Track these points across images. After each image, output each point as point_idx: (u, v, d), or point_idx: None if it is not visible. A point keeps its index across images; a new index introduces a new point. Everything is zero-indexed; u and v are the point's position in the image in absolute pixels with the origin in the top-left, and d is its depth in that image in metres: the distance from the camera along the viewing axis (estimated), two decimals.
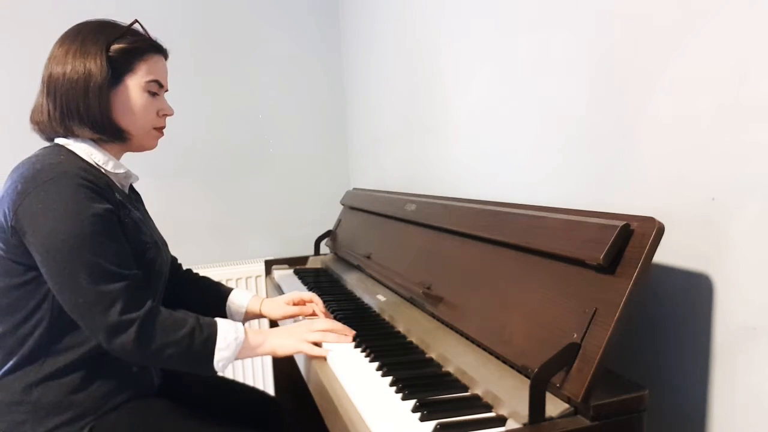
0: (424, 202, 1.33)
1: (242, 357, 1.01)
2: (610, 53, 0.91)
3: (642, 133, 0.86)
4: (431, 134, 1.59)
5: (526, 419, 0.68)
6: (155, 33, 1.07)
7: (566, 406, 0.69)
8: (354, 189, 2.15)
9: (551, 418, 0.68)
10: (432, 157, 1.59)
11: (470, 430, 0.71)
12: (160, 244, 1.09)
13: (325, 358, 0.99)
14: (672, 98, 0.80)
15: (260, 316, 1.29)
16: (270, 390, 2.02)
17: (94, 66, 0.97)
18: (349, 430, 0.76)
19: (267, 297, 1.59)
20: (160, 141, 1.11)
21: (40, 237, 0.88)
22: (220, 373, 0.99)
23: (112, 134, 1.01)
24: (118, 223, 0.95)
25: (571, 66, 1.00)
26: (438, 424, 0.71)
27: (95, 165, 1.00)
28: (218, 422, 1.11)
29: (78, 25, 1.02)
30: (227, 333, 0.98)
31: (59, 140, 1.00)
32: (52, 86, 0.98)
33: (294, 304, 1.27)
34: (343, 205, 2.04)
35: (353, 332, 1.08)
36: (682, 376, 0.81)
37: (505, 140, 1.23)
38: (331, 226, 2.04)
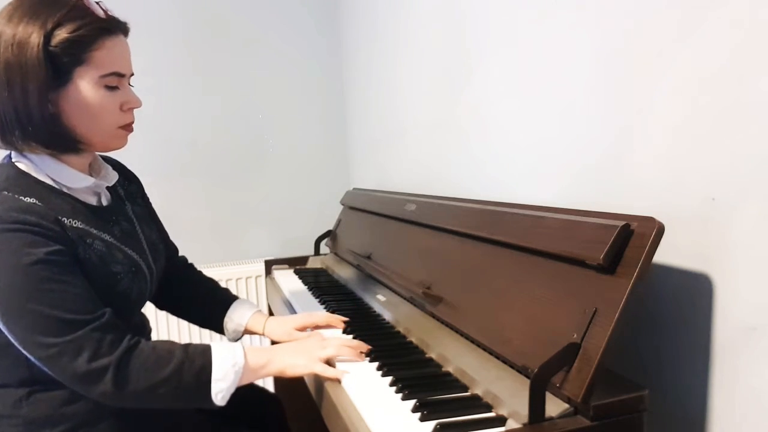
0: (424, 202, 1.33)
1: (245, 382, 0.90)
2: (611, 53, 0.91)
3: (642, 133, 0.86)
4: (431, 134, 1.59)
5: (526, 419, 0.68)
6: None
7: (566, 406, 0.69)
8: (354, 189, 2.15)
9: (551, 418, 0.68)
10: (431, 157, 1.59)
11: (470, 430, 0.71)
12: (141, 261, 0.96)
13: (339, 381, 0.90)
14: (672, 98, 0.80)
15: (262, 335, 1.17)
16: (270, 387, 2.01)
17: (32, 64, 0.79)
18: (349, 430, 0.77)
19: (267, 298, 1.59)
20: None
21: None
22: (221, 405, 0.87)
23: (64, 146, 0.86)
24: (74, 262, 0.83)
25: (571, 66, 1.00)
26: (438, 424, 0.71)
27: (54, 184, 0.87)
28: (218, 420, 1.11)
29: (12, 3, 0.83)
30: (223, 360, 0.87)
31: (14, 156, 0.87)
32: None
33: (304, 329, 1.14)
34: (343, 205, 2.04)
35: (368, 347, 0.99)
36: (683, 376, 0.81)
37: (505, 140, 1.23)
38: (331, 226, 2.04)
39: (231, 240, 2.23)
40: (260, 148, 2.26)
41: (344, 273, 1.65)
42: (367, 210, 1.72)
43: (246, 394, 1.24)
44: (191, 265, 1.27)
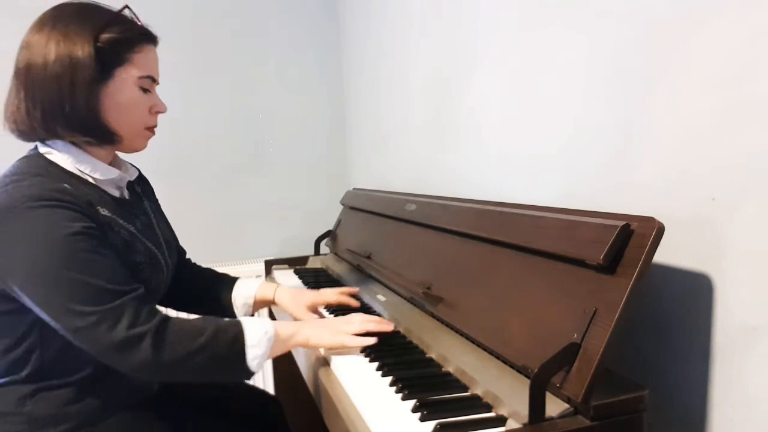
0: (424, 202, 1.33)
1: (275, 353, 0.94)
2: (611, 53, 0.91)
3: (642, 133, 0.86)
4: (431, 134, 1.59)
5: (526, 419, 0.68)
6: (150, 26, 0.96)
7: (566, 406, 0.69)
8: (354, 189, 2.15)
9: (551, 418, 0.68)
10: (432, 157, 1.59)
11: (470, 430, 0.71)
12: (159, 254, 1.00)
13: (364, 348, 0.96)
14: (672, 98, 0.80)
15: (272, 303, 1.21)
16: (270, 389, 2.02)
17: (82, 58, 0.85)
18: (349, 430, 0.77)
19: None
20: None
21: (19, 269, 0.81)
22: (256, 373, 0.91)
23: (101, 137, 0.91)
24: (106, 242, 0.87)
25: (571, 66, 1.00)
26: (438, 424, 0.71)
27: (80, 175, 0.91)
28: (218, 422, 1.11)
29: (56, 7, 0.90)
30: (255, 329, 0.91)
31: (41, 148, 0.91)
32: (29, 80, 0.86)
33: (315, 307, 1.19)
34: (343, 205, 2.04)
35: (392, 324, 1.03)
36: (682, 375, 0.81)
37: (504, 140, 1.23)
38: (331, 226, 2.04)
39: (231, 240, 2.23)
40: (260, 148, 2.26)
41: (344, 273, 1.65)
42: (367, 210, 1.72)
43: (246, 394, 1.25)
44: (194, 263, 1.29)
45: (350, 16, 2.20)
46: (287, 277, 1.75)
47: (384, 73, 1.91)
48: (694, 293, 0.79)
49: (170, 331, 0.85)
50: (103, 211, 0.89)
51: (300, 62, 2.28)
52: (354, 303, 1.18)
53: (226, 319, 0.92)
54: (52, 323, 0.83)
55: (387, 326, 1.01)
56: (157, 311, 0.87)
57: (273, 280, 1.78)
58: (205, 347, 0.86)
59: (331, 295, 1.21)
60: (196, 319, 0.91)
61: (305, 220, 2.29)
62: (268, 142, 2.27)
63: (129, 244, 0.92)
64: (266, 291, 1.20)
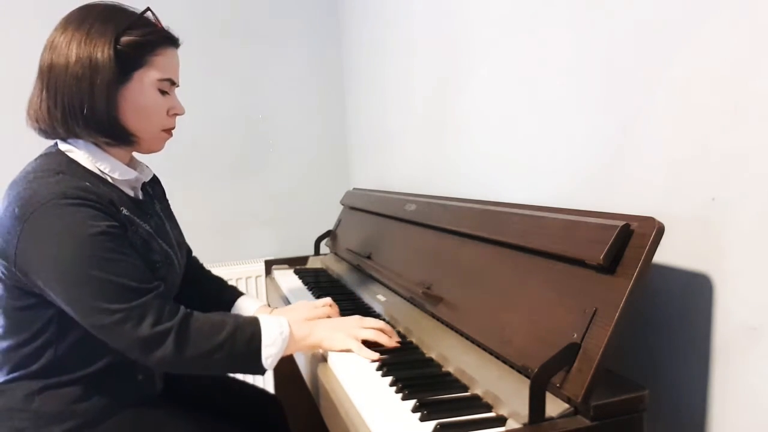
0: (424, 202, 1.33)
1: (289, 352, 0.96)
2: (611, 53, 0.91)
3: (642, 133, 0.86)
4: (431, 134, 1.59)
5: (526, 419, 0.68)
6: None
7: (566, 406, 0.69)
8: (354, 189, 2.15)
9: (551, 418, 0.68)
10: (432, 157, 1.59)
11: (470, 430, 0.71)
12: (173, 254, 1.02)
13: (376, 360, 0.94)
14: (672, 98, 0.80)
15: None
16: (270, 388, 2.02)
17: (101, 60, 0.87)
18: (349, 430, 0.77)
19: (267, 298, 1.58)
20: None
21: (46, 267, 0.82)
22: (269, 371, 0.94)
23: (119, 137, 0.93)
24: (127, 240, 0.89)
25: (571, 66, 1.00)
26: (438, 424, 0.71)
27: (100, 174, 0.93)
28: (219, 422, 1.11)
29: (81, 8, 0.92)
30: (271, 329, 0.93)
31: (61, 145, 0.93)
32: (52, 80, 0.88)
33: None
34: (343, 205, 2.04)
35: (398, 338, 1.03)
36: (682, 376, 0.81)
37: (505, 140, 1.23)
38: (331, 226, 2.04)
39: (231, 240, 2.23)
40: (260, 148, 2.26)
41: (344, 273, 1.65)
42: (367, 210, 1.72)
43: (246, 394, 1.25)
44: (201, 265, 1.29)
45: (350, 16, 2.20)
46: (287, 277, 1.75)
47: (384, 73, 1.91)
48: (693, 293, 0.79)
49: (192, 328, 0.88)
50: (124, 211, 0.91)
51: (300, 62, 2.28)
52: (335, 314, 1.16)
53: (246, 316, 0.95)
54: (78, 319, 0.85)
55: (395, 343, 1.01)
56: (179, 308, 0.89)
57: (273, 280, 1.78)
58: (223, 345, 0.89)
59: (323, 310, 1.17)
60: (216, 315, 0.93)
61: (305, 220, 2.29)
62: (268, 142, 2.27)
63: (147, 243, 0.94)
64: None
